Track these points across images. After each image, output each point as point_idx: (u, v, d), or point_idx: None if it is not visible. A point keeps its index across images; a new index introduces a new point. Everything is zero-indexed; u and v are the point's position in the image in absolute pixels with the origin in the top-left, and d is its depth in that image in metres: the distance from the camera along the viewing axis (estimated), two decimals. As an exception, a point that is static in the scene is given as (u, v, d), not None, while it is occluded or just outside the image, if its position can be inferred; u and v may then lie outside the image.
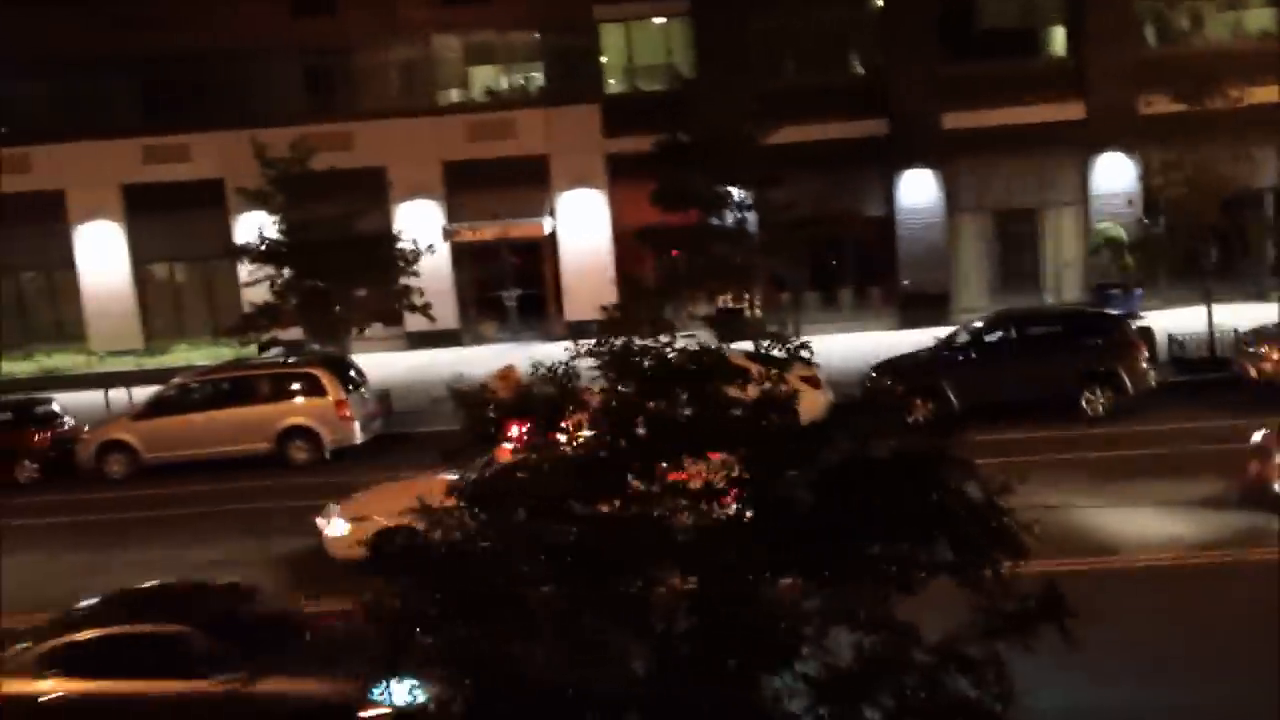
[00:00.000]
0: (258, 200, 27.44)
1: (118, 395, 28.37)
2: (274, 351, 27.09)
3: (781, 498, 8.06)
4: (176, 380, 25.58)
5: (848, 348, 26.54)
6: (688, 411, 8.37)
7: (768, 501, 8.07)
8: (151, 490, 22.99)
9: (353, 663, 10.84)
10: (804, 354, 9.11)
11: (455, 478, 17.60)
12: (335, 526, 17.72)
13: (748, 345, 10.27)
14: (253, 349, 27.90)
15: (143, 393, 26.67)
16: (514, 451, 17.76)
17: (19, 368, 32.29)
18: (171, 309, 34.42)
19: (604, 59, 33.23)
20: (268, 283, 27.11)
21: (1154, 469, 18.91)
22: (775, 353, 9.09)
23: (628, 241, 31.55)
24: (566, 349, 9.39)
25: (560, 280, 33.38)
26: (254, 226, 27.97)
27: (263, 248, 27.15)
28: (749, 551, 7.71)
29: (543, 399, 9.09)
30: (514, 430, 18.01)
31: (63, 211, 33.52)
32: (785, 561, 7.87)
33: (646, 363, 8.57)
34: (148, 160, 33.25)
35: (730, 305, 28.58)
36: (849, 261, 32.44)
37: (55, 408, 25.90)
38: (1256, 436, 17.08)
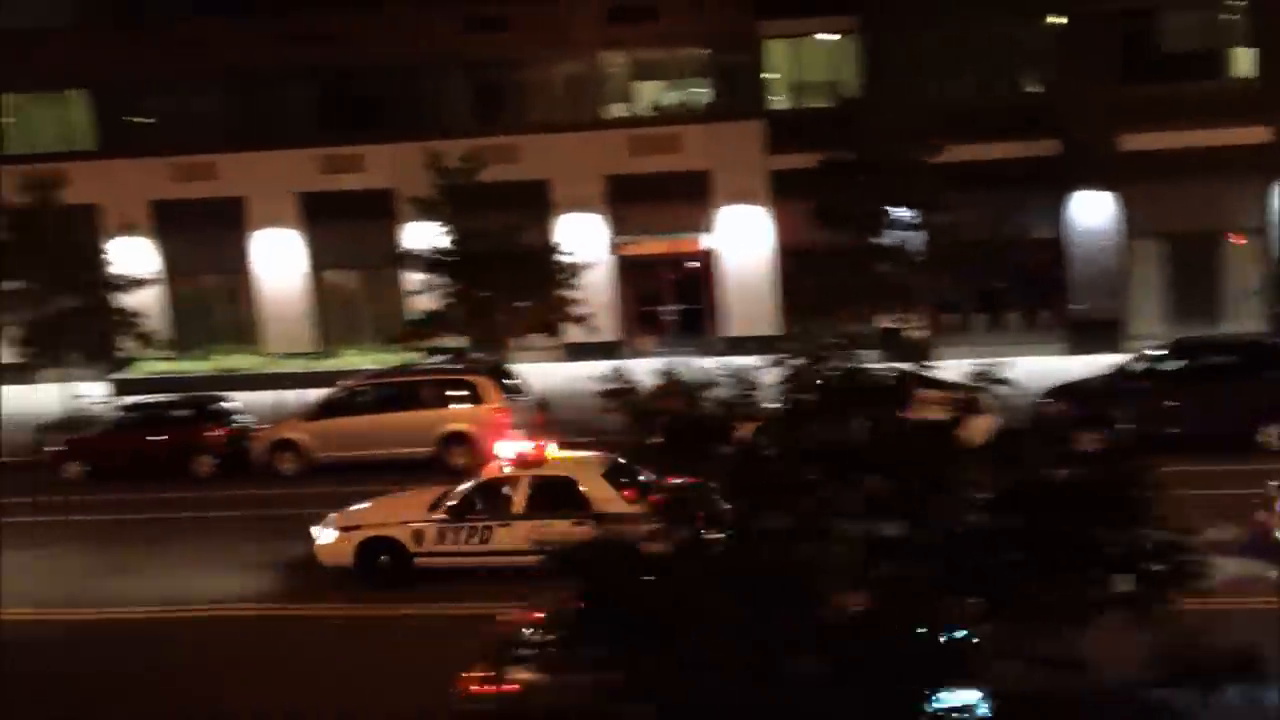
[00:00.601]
0: (427, 210, 28.12)
1: (290, 396, 29.33)
2: (438, 358, 27.71)
3: (952, 521, 7.95)
4: (345, 383, 26.37)
5: (1015, 371, 25.88)
6: (860, 430, 8.31)
7: (938, 524, 7.96)
8: (318, 488, 23.70)
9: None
10: (986, 380, 8.97)
11: (441, 492, 18.54)
12: (325, 535, 18.57)
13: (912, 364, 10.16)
14: (418, 355, 28.56)
15: (313, 394, 27.55)
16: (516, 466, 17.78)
17: (198, 367, 33.61)
18: (342, 314, 35.42)
19: (768, 75, 33.16)
20: (434, 291, 27.76)
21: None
22: (945, 375, 8.98)
23: (790, 258, 31.46)
24: (727, 363, 9.41)
25: (720, 296, 33.41)
26: (422, 236, 28.66)
27: (430, 257, 27.84)
28: (920, 572, 7.61)
29: (713, 410, 9.12)
30: (509, 447, 18.34)
31: (243, 218, 34.80)
32: (956, 586, 7.74)
33: (821, 381, 8.55)
34: (324, 170, 34.30)
35: (894, 325, 28.24)
36: (1017, 284, 31.71)
37: (232, 405, 26.91)
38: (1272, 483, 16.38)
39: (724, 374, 9.38)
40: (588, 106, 33.89)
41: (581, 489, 17.67)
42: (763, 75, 33.02)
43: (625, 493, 17.32)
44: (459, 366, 26.33)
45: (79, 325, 29.30)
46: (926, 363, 9.34)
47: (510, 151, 32.21)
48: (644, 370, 10.70)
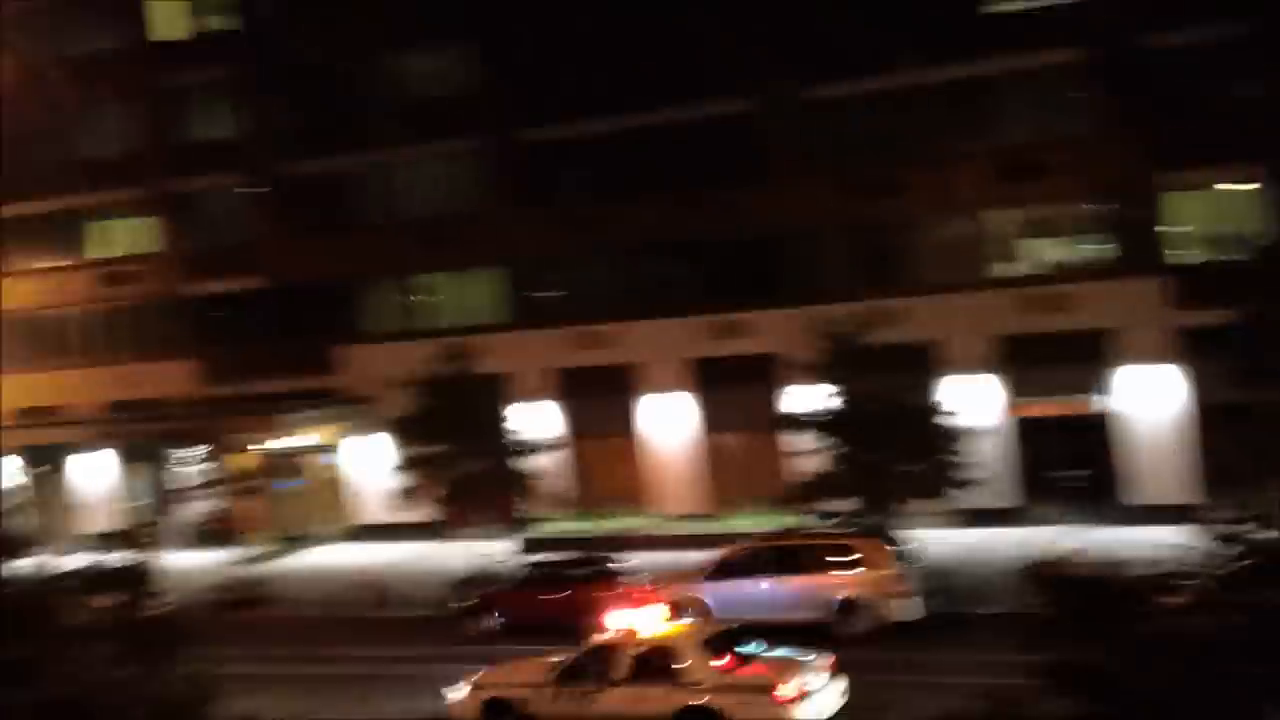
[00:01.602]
0: (812, 374, 28.30)
1: (691, 555, 29.76)
2: (829, 521, 27.52)
3: None
4: (738, 545, 26.59)
5: None
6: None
7: None
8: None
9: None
10: None
11: (559, 659, 19.64)
12: (458, 692, 20.10)
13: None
14: (809, 518, 28.49)
15: (709, 555, 27.77)
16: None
17: (601, 526, 34.83)
18: (731, 476, 35.98)
19: (1167, 228, 31.67)
20: (820, 454, 27.74)
21: None
22: None
23: (1208, 419, 29.48)
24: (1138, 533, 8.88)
25: (1124, 460, 31.61)
26: (808, 399, 28.85)
27: (816, 420, 27.91)
28: None
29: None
30: (618, 617, 19.58)
31: (638, 382, 36.26)
32: None
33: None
34: (711, 335, 35.37)
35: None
36: None
37: (617, 566, 27.63)
38: None
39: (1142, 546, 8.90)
40: (976, 265, 33.37)
41: (677, 658, 18.48)
42: (1161, 228, 31.59)
43: (722, 662, 18.43)
44: (847, 531, 26.03)
45: (490, 486, 31.13)
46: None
47: (897, 313, 32.12)
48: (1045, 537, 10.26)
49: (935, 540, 28.75)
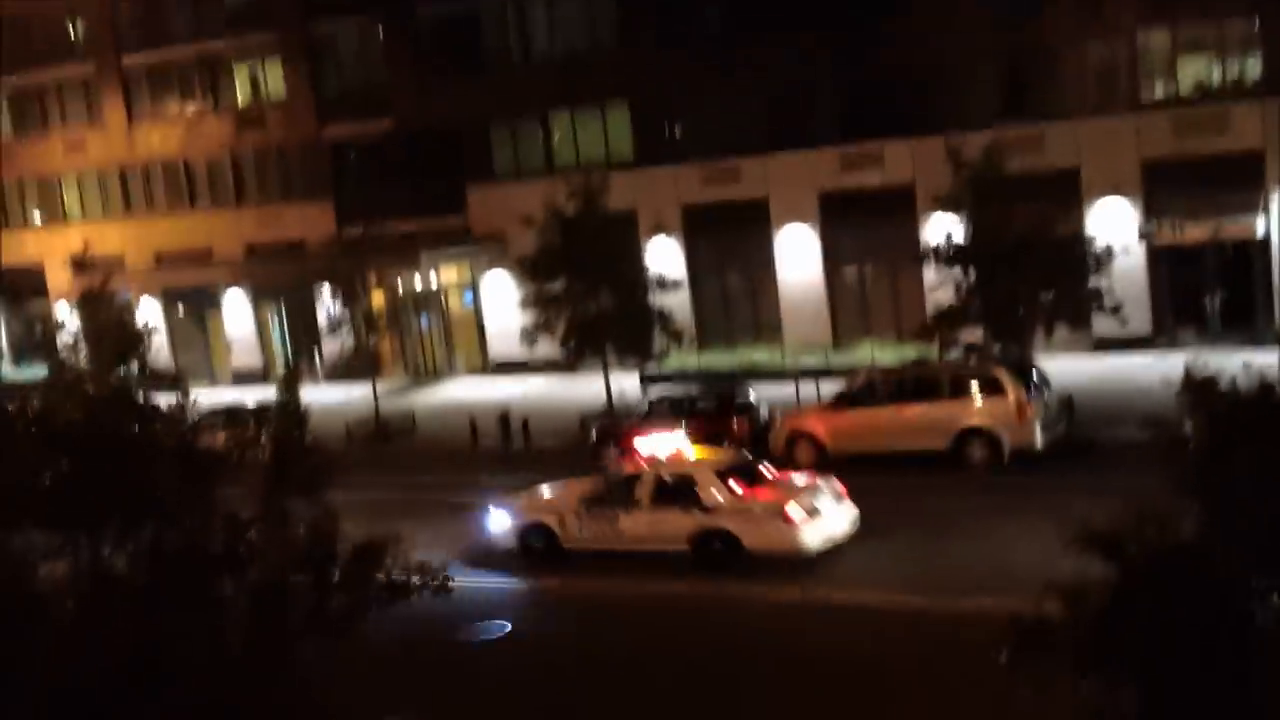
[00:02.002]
0: (947, 204, 27.53)
1: (808, 389, 29.77)
2: (956, 352, 27.04)
3: None
4: (860, 376, 26.34)
5: None
6: None
7: None
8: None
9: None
10: None
11: (590, 484, 20.83)
12: (500, 514, 21.17)
13: None
14: (935, 350, 28.02)
15: (829, 387, 27.79)
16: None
17: (722, 360, 34.94)
18: (858, 309, 35.56)
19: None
20: (952, 285, 27.12)
21: None
22: None
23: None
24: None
25: (1274, 284, 30.22)
26: (941, 230, 28.10)
27: (949, 251, 27.21)
28: None
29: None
30: (646, 445, 20.58)
31: (765, 217, 35.78)
32: None
33: None
34: (844, 168, 34.60)
35: None
36: None
37: (752, 398, 27.67)
38: None
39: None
40: (1120, 89, 31.82)
41: (696, 485, 19.40)
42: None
43: (737, 488, 19.31)
44: (979, 361, 25.58)
45: (617, 322, 31.24)
46: None
47: (1035, 140, 30.96)
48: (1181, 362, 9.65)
49: (1071, 368, 28.13)
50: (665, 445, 20.52)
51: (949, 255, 27.10)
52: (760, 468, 20.39)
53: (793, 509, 18.80)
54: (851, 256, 35.54)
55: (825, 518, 19.12)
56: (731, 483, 19.46)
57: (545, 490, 21.71)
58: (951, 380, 24.49)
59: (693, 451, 20.58)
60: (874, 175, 34.15)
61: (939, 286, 27.94)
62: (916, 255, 29.74)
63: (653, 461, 20.27)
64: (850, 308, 35.57)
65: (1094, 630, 8.21)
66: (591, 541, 20.15)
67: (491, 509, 21.48)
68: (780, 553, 18.72)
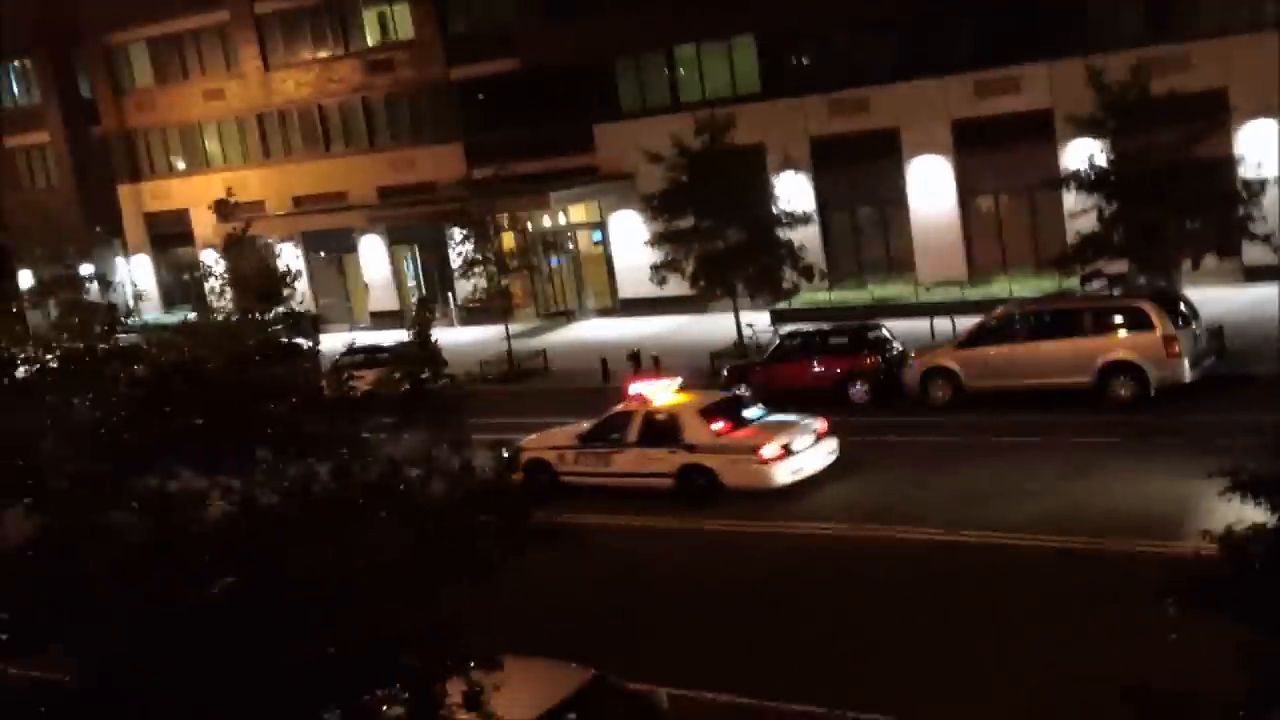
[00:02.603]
0: (1088, 129, 26.62)
1: (942, 324, 29.23)
2: (1097, 284, 26.23)
3: None
4: (999, 311, 25.73)
5: None
6: None
7: None
8: (970, 417, 23.39)
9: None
10: None
11: (585, 427, 22.32)
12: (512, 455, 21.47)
13: None
14: (1075, 282, 27.22)
15: (965, 322, 27.23)
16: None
17: (853, 296, 34.46)
18: (994, 241, 34.70)
19: None
20: (1094, 213, 26.27)
21: None
22: None
23: None
24: None
25: None
26: (1082, 156, 27.18)
27: (1091, 177, 26.33)
28: None
29: None
30: (637, 386, 22.51)
31: (896, 148, 35.03)
32: None
33: None
34: (978, 94, 33.66)
35: None
36: None
37: (885, 334, 27.26)
38: None
39: None
40: (1270, 5, 30.20)
41: (680, 424, 21.19)
42: None
43: (719, 426, 20.98)
44: (1123, 293, 24.79)
45: (746, 259, 31.00)
46: None
47: (1182, 60, 29.62)
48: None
49: (1220, 299, 27.15)
50: (656, 388, 22.21)
51: (1090, 182, 26.25)
52: (744, 407, 22.00)
53: (767, 448, 20.41)
54: (987, 186, 34.64)
55: (799, 455, 20.64)
56: (714, 423, 21.10)
57: (548, 431, 23.45)
58: (1094, 313, 23.78)
59: (676, 394, 22.15)
60: (1010, 101, 33.14)
61: (1080, 216, 27.10)
62: (1055, 183, 28.88)
63: (642, 401, 21.93)
64: (986, 240, 34.72)
65: (1256, 577, 7.93)
66: (586, 475, 21.90)
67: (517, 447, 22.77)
68: (753, 488, 20.44)
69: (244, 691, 8.70)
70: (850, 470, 21.29)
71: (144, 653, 8.81)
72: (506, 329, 35.07)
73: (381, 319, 42.79)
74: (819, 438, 21.22)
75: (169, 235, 50.21)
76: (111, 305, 26.79)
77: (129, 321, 22.92)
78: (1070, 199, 28.16)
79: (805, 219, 31.87)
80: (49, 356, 11.76)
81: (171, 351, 10.39)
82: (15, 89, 53.79)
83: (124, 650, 8.86)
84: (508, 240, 38.05)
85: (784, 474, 20.45)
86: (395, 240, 44.29)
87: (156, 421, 9.41)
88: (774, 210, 32.17)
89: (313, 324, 12.84)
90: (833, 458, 21.26)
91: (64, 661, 9.15)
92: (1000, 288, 31.83)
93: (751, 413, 21.82)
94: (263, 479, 9.68)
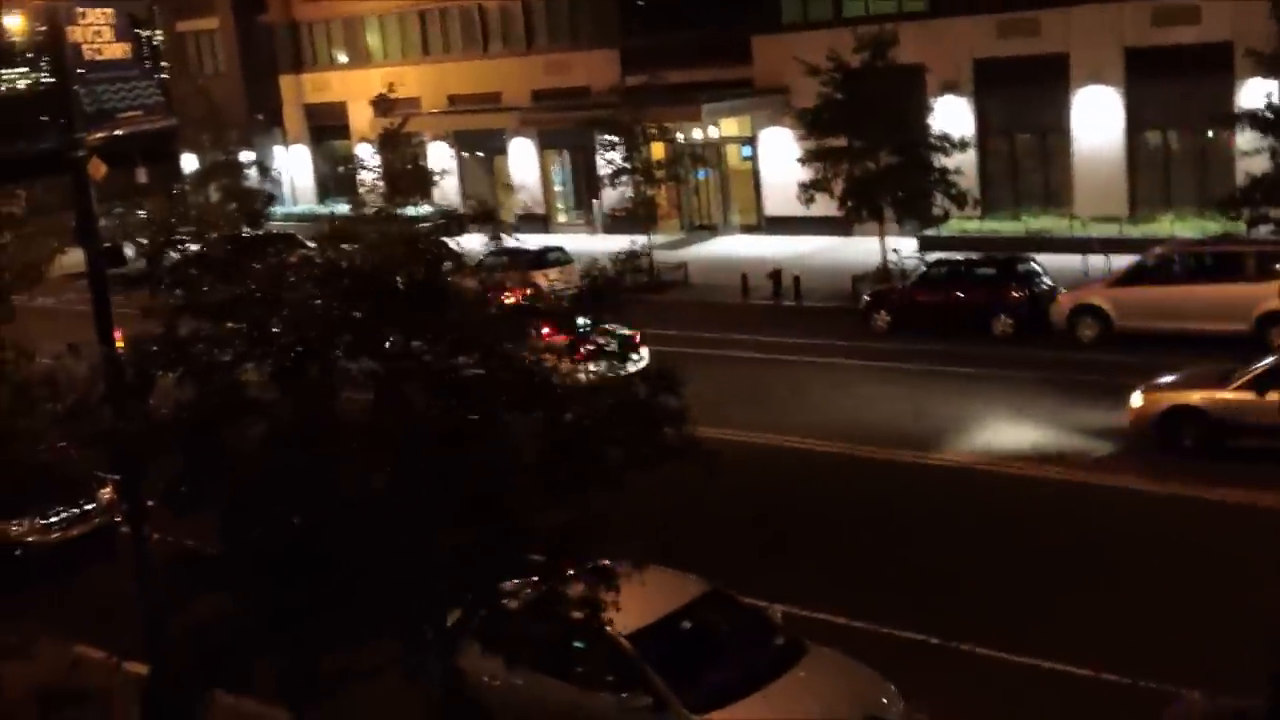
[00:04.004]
0: (1268, 66, 25.31)
1: (1096, 261, 28.37)
2: (1264, 229, 25.10)
3: None
4: (1157, 250, 24.89)
5: None
6: None
7: None
8: (1116, 357, 22.79)
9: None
10: None
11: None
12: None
13: None
14: (1241, 225, 26.09)
15: (1121, 260, 26.41)
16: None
17: (1005, 226, 33.54)
18: (1160, 178, 33.37)
19: None
20: (1267, 155, 25.06)
21: None
22: None
23: None
24: None
25: None
26: (1259, 94, 25.89)
27: (1268, 117, 25.09)
28: None
29: None
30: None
31: (1064, 75, 33.79)
32: None
33: None
34: (1155, 23, 32.19)
35: None
36: None
37: (1035, 267, 26.57)
38: None
39: None
40: None
41: None
42: None
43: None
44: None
45: (897, 182, 30.39)
46: None
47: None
48: None
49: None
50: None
51: (1266, 122, 25.01)
52: None
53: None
54: (1156, 120, 33.24)
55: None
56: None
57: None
58: (1258, 258, 22.88)
59: None
60: (1188, 32, 31.60)
61: (1252, 157, 25.89)
62: (1229, 121, 27.64)
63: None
64: (1150, 176, 33.40)
65: None
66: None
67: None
68: None
69: (383, 574, 9.05)
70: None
71: (285, 530, 9.20)
72: (648, 239, 35.07)
73: (527, 221, 43.16)
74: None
75: (326, 127, 51.15)
76: (270, 194, 27.47)
77: (288, 209, 23.57)
78: (1243, 138, 26.90)
79: (962, 144, 31.02)
80: (213, 235, 12.15)
81: (336, 243, 10.54)
82: (188, -25, 55.05)
83: (267, 526, 9.26)
84: (656, 150, 37.89)
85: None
86: (545, 144, 44.43)
87: (321, 310, 9.63)
88: (930, 134, 31.41)
89: (460, 224, 12.97)
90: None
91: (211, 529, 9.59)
92: (1161, 227, 30.71)
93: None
94: (417, 370, 9.87)
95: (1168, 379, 18.90)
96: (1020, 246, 30.01)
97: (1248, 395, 17.02)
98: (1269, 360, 18.02)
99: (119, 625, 13.51)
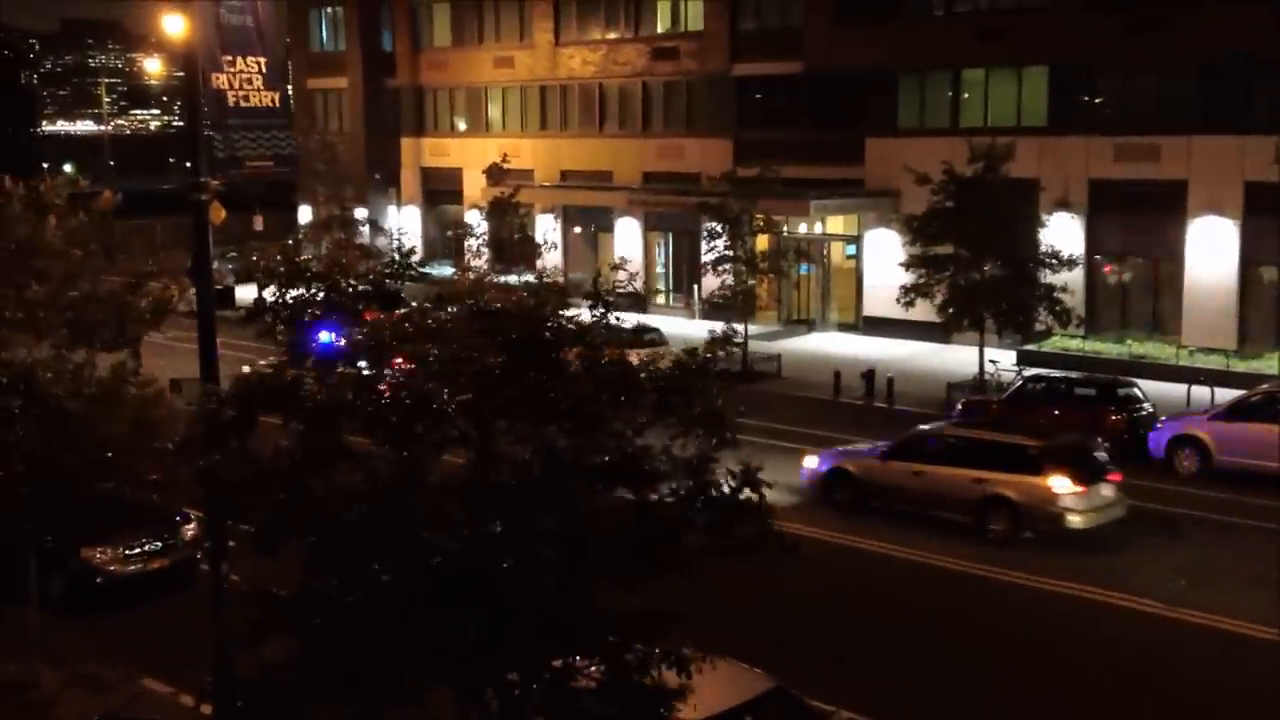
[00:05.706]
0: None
1: (1200, 392, 27.77)
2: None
3: None
4: (1264, 386, 24.28)
5: None
6: None
7: None
8: (1214, 493, 22.17)
9: None
10: None
11: None
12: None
13: None
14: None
15: (1226, 395, 25.82)
16: None
17: (1108, 348, 33.04)
18: (1271, 314, 32.68)
19: None
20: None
21: None
22: None
23: None
24: None
25: None
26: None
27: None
28: None
29: None
30: None
31: (1181, 202, 33.40)
32: None
33: None
34: (1279, 158, 31.74)
35: None
36: None
37: (1136, 392, 26.06)
38: None
39: None
40: None
41: None
42: None
43: None
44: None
45: (1001, 294, 30.09)
46: None
47: None
48: None
49: None
50: None
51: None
52: None
53: None
54: (1271, 256, 32.66)
55: None
56: None
57: None
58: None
59: None
60: (1313, 169, 31.16)
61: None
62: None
63: None
64: (1263, 312, 32.76)
65: None
66: None
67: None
68: None
69: (452, 634, 9.04)
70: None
71: (366, 580, 9.25)
72: (745, 329, 35.09)
73: (624, 299, 43.34)
74: None
75: (440, 191, 52.22)
76: (411, 247, 27.85)
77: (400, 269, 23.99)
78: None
79: (1070, 263, 30.70)
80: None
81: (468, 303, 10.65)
82: (324, 35, 56.78)
83: (349, 574, 9.32)
84: (761, 241, 38.05)
85: None
86: (651, 226, 44.88)
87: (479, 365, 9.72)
88: (1039, 249, 31.13)
89: (561, 296, 13.08)
90: None
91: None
92: (1270, 364, 30.02)
93: None
94: (515, 437, 9.90)
95: None
96: (1122, 370, 29.54)
97: None
98: None
99: (188, 659, 13.64)
